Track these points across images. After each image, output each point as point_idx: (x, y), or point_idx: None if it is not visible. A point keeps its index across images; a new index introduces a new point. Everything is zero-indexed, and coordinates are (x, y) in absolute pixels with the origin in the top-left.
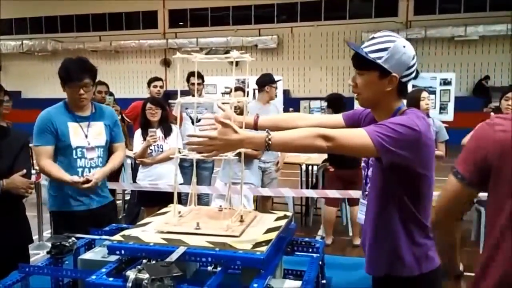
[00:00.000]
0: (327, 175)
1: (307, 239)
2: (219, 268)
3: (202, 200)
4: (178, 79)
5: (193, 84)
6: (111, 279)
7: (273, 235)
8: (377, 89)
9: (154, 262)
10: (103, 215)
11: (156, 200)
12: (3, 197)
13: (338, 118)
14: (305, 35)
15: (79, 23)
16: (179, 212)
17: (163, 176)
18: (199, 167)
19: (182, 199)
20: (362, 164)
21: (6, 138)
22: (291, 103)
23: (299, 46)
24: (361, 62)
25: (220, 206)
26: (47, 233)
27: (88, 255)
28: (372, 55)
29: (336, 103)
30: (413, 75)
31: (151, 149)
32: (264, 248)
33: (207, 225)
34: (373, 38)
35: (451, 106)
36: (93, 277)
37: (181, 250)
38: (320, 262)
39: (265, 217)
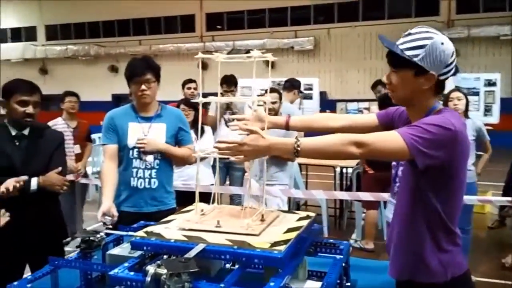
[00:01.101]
0: (364, 178)
1: (331, 240)
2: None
3: (234, 200)
4: (200, 79)
5: (226, 91)
6: (132, 273)
7: (292, 235)
8: (412, 88)
9: (174, 258)
10: (155, 220)
11: (189, 200)
12: (40, 194)
13: (372, 117)
14: (342, 36)
15: (120, 28)
16: (202, 210)
17: (194, 177)
18: (231, 168)
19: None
20: (393, 162)
21: (42, 137)
22: (328, 105)
23: (336, 48)
24: (396, 60)
25: (242, 205)
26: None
27: (116, 251)
28: (408, 53)
29: (389, 103)
30: (451, 72)
31: None
32: (282, 247)
33: (227, 223)
34: (409, 34)
35: (496, 108)
36: (116, 270)
37: (200, 247)
38: (344, 264)
39: (288, 217)
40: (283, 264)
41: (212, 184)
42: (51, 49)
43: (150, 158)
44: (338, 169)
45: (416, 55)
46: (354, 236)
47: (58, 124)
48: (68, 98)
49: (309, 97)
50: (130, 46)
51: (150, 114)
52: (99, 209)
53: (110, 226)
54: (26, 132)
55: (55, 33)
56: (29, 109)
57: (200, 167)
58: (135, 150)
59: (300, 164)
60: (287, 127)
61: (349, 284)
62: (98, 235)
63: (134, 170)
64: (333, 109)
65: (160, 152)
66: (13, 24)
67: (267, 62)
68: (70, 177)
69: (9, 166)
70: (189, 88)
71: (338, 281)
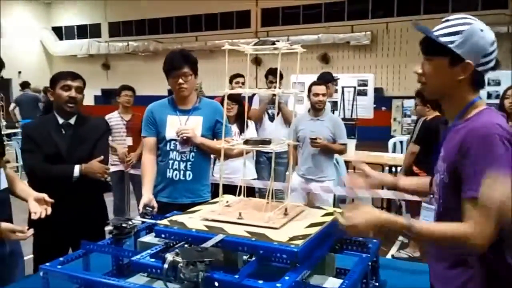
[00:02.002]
0: None
1: (360, 238)
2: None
3: (277, 195)
4: (226, 71)
5: (271, 82)
6: (152, 260)
7: (314, 230)
8: (446, 78)
9: (192, 246)
10: None
11: (229, 194)
12: (83, 182)
13: None
14: (402, 31)
15: (178, 25)
16: (227, 202)
17: (237, 171)
18: (275, 163)
19: (256, 194)
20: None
21: (87, 127)
22: (383, 102)
23: (395, 43)
24: (430, 47)
25: (268, 198)
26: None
27: (147, 238)
28: (443, 39)
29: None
30: (491, 63)
31: None
32: (299, 242)
33: (249, 216)
34: (446, 20)
35: None
36: (137, 256)
37: (218, 237)
38: (372, 263)
39: (312, 212)
40: (300, 258)
41: (255, 179)
42: (114, 45)
43: (186, 149)
44: (387, 168)
45: (452, 42)
46: (400, 237)
47: (114, 117)
48: (124, 92)
49: (363, 93)
50: (187, 42)
51: (188, 107)
52: (141, 201)
53: (151, 217)
54: (72, 121)
55: (117, 30)
56: (72, 93)
57: (243, 161)
58: (172, 142)
59: (347, 162)
60: (394, 186)
61: (377, 284)
62: (130, 222)
63: (171, 162)
64: (388, 106)
65: (196, 145)
66: (79, 21)
67: (321, 57)
68: (119, 167)
69: (56, 153)
70: (237, 83)
71: (365, 280)
